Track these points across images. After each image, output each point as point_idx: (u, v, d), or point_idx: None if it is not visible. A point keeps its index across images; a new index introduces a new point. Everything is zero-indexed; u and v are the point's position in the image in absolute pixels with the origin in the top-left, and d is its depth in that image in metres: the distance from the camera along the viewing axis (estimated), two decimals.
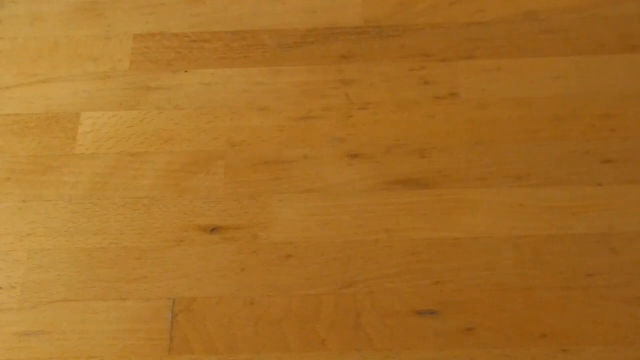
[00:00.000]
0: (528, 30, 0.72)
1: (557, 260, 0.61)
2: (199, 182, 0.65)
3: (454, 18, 0.73)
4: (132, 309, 0.60)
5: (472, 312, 0.58)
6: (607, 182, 0.64)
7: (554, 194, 0.64)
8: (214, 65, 0.73)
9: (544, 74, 0.69)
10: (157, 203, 0.65)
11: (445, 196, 0.64)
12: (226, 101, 0.70)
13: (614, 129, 0.66)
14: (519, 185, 0.64)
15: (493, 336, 0.57)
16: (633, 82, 0.68)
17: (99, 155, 0.67)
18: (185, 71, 0.73)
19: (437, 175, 0.65)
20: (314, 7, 0.75)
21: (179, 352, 0.58)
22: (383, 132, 0.68)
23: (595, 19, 0.72)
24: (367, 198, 0.64)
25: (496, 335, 0.57)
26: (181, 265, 0.62)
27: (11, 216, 0.65)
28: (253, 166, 0.66)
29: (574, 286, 0.59)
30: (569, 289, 0.59)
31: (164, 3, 0.76)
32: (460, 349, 0.57)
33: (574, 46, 0.70)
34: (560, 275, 0.60)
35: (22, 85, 0.72)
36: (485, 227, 0.62)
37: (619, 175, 0.64)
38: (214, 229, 0.63)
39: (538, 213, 0.63)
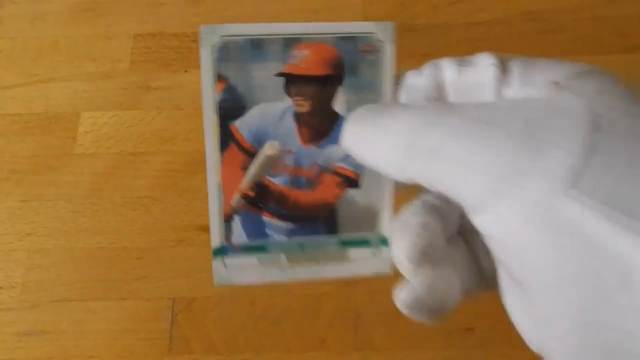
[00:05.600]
0: (528, 30, 0.72)
1: None
2: (199, 182, 0.65)
3: (454, 18, 0.73)
4: (132, 309, 0.60)
5: (472, 312, 0.58)
6: None
7: None
8: None
9: None
10: (157, 203, 0.65)
11: None
12: None
13: None
14: None
15: (493, 336, 0.57)
16: (633, 82, 0.68)
17: (99, 155, 0.67)
18: (185, 71, 0.73)
19: None
20: (314, 7, 0.75)
21: (179, 352, 0.58)
22: None
23: (595, 19, 0.72)
24: None
25: (496, 335, 0.57)
26: (181, 265, 0.62)
27: (11, 216, 0.65)
28: None
29: None
30: None
31: (164, 3, 0.76)
32: (461, 349, 0.57)
33: (574, 46, 0.70)
34: None
35: (22, 85, 0.72)
36: None
37: None
38: None
39: None
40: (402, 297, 0.29)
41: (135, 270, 0.61)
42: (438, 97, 0.28)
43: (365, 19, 0.73)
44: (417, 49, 0.71)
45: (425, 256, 0.27)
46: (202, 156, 0.30)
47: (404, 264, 0.28)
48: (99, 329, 0.59)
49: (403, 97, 0.30)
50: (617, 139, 0.22)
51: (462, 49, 0.71)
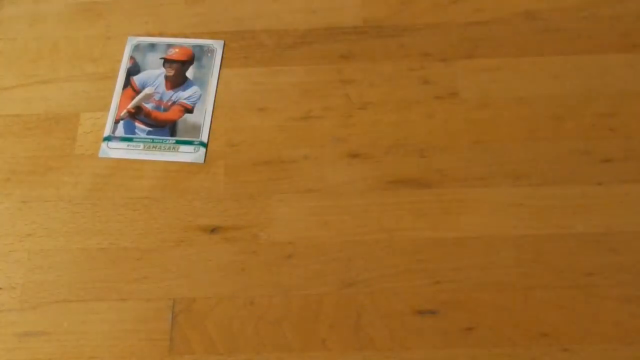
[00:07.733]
0: (528, 30, 0.72)
1: (557, 260, 0.61)
2: (199, 182, 0.65)
3: (454, 18, 0.73)
4: (132, 309, 0.60)
5: (472, 311, 0.58)
6: (607, 181, 0.64)
7: (554, 194, 0.64)
8: None
9: (544, 73, 0.69)
10: (157, 203, 0.65)
11: (445, 196, 0.64)
12: (226, 101, 0.70)
13: (614, 129, 0.66)
14: (519, 185, 0.64)
15: (493, 336, 0.57)
16: (633, 81, 0.68)
17: (99, 155, 0.67)
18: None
19: (437, 175, 0.65)
20: (314, 7, 0.75)
21: (180, 352, 0.58)
22: (383, 132, 0.68)
23: (595, 19, 0.72)
24: (367, 198, 0.64)
25: (496, 335, 0.57)
26: (181, 265, 0.62)
27: (11, 217, 0.65)
28: (253, 166, 0.66)
29: (574, 285, 0.60)
30: (569, 288, 0.59)
31: (163, 3, 0.76)
32: (461, 349, 0.57)
33: (574, 46, 0.70)
34: (561, 275, 0.60)
35: (22, 86, 0.72)
36: (485, 227, 0.62)
37: (618, 175, 0.64)
38: (214, 229, 0.63)
39: (538, 213, 0.63)
40: None
41: (135, 270, 0.61)
42: None
43: (365, 20, 0.73)
44: (417, 49, 0.71)
45: None
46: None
47: None
48: (100, 329, 0.59)
49: None
50: None
51: (462, 48, 0.71)
